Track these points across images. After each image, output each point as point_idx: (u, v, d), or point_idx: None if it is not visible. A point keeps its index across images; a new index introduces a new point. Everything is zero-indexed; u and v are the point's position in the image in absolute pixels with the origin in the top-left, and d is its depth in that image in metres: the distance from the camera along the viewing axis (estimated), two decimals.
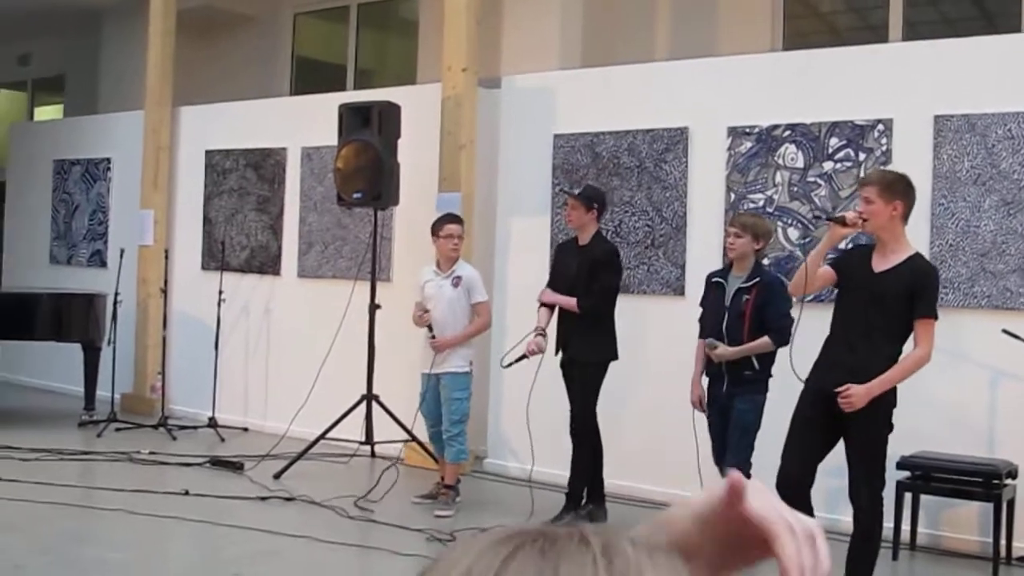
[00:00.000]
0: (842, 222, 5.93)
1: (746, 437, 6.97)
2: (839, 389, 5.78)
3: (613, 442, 8.13)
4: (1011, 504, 7.20)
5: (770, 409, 6.87)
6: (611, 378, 7.84)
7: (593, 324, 7.74)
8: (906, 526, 7.38)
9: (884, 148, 7.96)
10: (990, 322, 7.37)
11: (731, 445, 7.00)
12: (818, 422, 5.92)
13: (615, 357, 7.82)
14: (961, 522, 7.49)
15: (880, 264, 5.90)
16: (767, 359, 6.97)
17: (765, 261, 8.26)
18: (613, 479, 8.22)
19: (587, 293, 7.74)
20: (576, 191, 7.94)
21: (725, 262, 7.39)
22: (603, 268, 7.79)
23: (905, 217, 5.94)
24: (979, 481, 7.11)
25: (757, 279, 7.01)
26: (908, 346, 5.90)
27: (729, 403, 7.02)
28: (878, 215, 5.84)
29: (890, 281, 5.82)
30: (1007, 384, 7.44)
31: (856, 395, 5.75)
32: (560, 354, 7.89)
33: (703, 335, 7.20)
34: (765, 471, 6.14)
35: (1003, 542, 7.13)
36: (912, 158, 7.77)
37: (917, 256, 5.96)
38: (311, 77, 13.43)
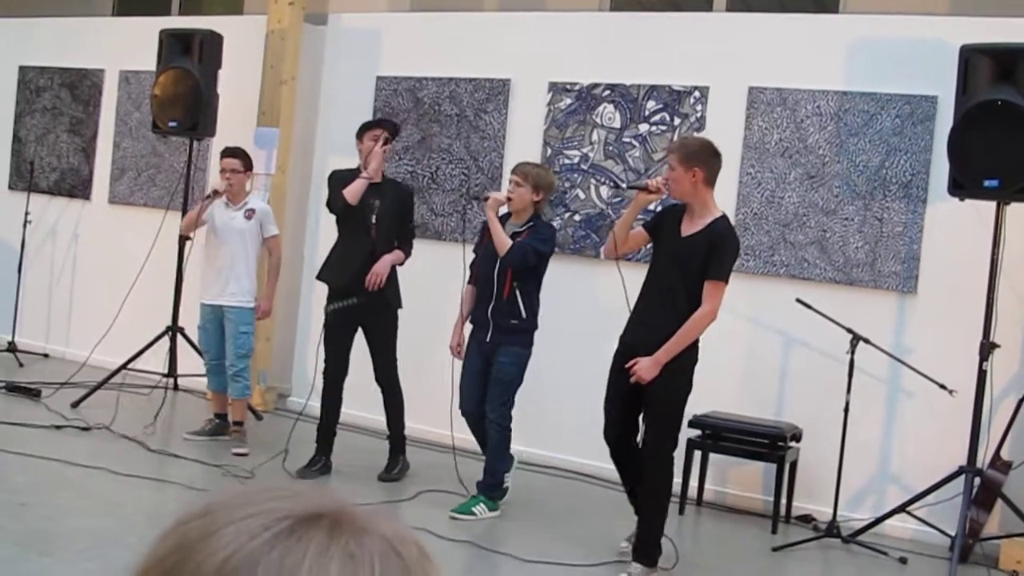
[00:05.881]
0: (645, 189, 6.17)
1: (507, 391, 7.06)
2: (628, 365, 5.99)
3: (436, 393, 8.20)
4: (793, 466, 7.51)
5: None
6: (427, 325, 7.91)
7: (395, 270, 7.65)
8: (694, 482, 7.63)
9: (699, 115, 8.14)
10: (787, 290, 7.63)
11: (491, 398, 7.06)
12: (627, 375, 6.06)
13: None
14: (746, 481, 7.77)
15: (688, 228, 6.11)
16: (533, 310, 7.04)
17: (576, 217, 8.42)
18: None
19: (404, 239, 7.66)
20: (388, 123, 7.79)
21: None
22: (410, 210, 7.79)
23: (709, 182, 6.11)
24: (765, 442, 7.39)
25: (531, 224, 7.05)
26: None
27: (493, 352, 7.05)
28: (679, 182, 6.06)
29: (693, 244, 6.02)
30: (797, 351, 7.73)
31: (643, 368, 5.96)
32: (349, 300, 7.57)
33: (472, 281, 7.24)
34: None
35: (784, 501, 7.44)
36: (725, 126, 7.98)
37: (720, 220, 6.12)
38: None
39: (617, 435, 6.28)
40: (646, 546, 6.11)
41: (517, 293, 6.98)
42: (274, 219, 8.35)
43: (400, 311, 7.73)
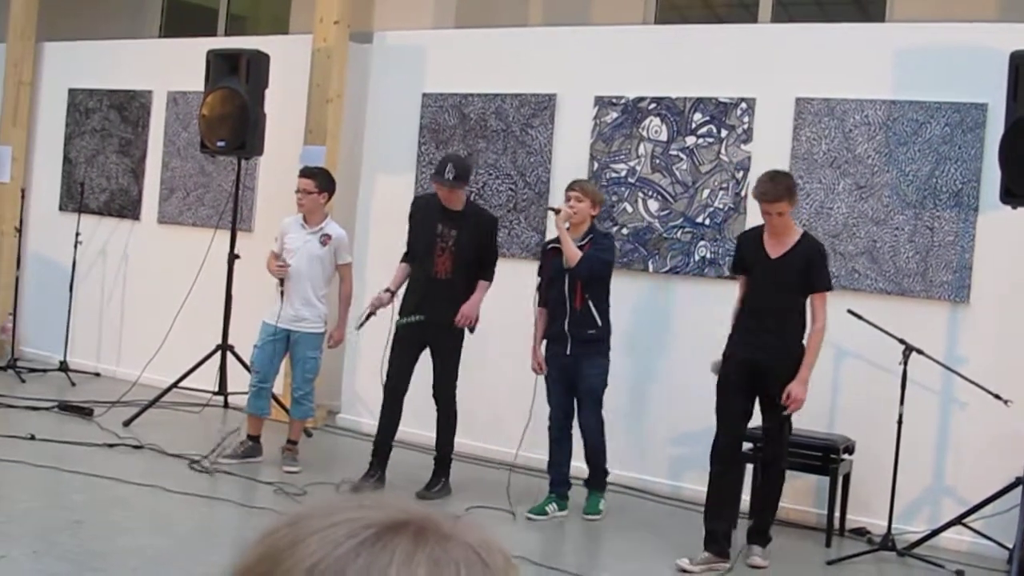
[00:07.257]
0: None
1: (598, 400, 7.35)
2: (785, 402, 6.44)
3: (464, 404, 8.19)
4: (847, 478, 7.44)
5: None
6: (480, 342, 7.92)
7: (466, 292, 7.64)
8: (746, 496, 7.56)
9: (746, 126, 8.11)
10: (837, 302, 7.54)
11: (585, 408, 7.32)
12: (742, 388, 6.61)
13: None
14: (799, 494, 7.70)
15: (775, 250, 6.57)
16: (606, 317, 7.34)
17: (624, 231, 8.41)
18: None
19: (486, 266, 7.72)
20: (452, 176, 7.49)
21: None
22: (493, 238, 7.81)
23: None
24: (818, 455, 7.33)
25: (591, 235, 7.34)
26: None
27: (575, 366, 7.29)
28: (788, 219, 6.56)
29: (788, 264, 6.51)
30: (849, 363, 7.67)
31: (795, 393, 6.44)
32: (415, 316, 7.58)
33: (542, 303, 7.50)
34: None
35: (837, 514, 7.38)
36: (772, 138, 7.96)
37: (806, 235, 6.66)
38: (182, 20, 13.16)
39: (730, 448, 6.72)
40: (764, 533, 6.76)
41: (590, 303, 7.27)
42: (348, 246, 8.30)
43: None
